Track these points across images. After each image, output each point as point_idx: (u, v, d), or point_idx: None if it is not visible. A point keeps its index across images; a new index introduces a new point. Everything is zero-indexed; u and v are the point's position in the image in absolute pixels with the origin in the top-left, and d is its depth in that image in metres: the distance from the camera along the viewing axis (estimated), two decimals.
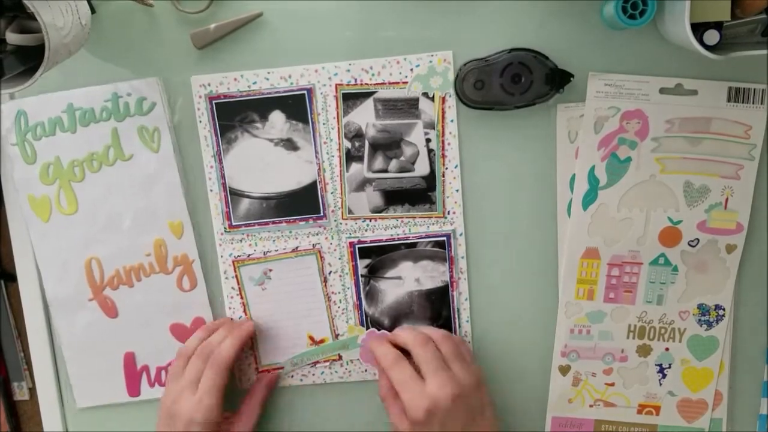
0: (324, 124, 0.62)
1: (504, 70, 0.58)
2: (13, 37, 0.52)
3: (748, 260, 0.62)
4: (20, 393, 0.91)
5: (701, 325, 0.63)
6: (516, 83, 0.59)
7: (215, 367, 0.59)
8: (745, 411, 0.65)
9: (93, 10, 0.59)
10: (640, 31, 0.58)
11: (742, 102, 0.59)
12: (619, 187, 0.61)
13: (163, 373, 0.67)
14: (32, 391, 0.92)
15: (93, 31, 0.58)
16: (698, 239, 0.61)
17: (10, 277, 0.89)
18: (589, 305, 0.63)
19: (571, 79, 0.59)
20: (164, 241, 0.64)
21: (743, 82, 0.59)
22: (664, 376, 0.64)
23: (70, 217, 0.64)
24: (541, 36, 0.59)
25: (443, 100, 0.60)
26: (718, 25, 0.53)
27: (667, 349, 0.64)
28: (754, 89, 0.59)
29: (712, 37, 0.53)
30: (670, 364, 0.64)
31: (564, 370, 0.65)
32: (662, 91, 0.59)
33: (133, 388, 0.68)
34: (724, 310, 0.63)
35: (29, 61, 0.53)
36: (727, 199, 0.61)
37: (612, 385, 0.65)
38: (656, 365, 0.64)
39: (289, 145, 0.62)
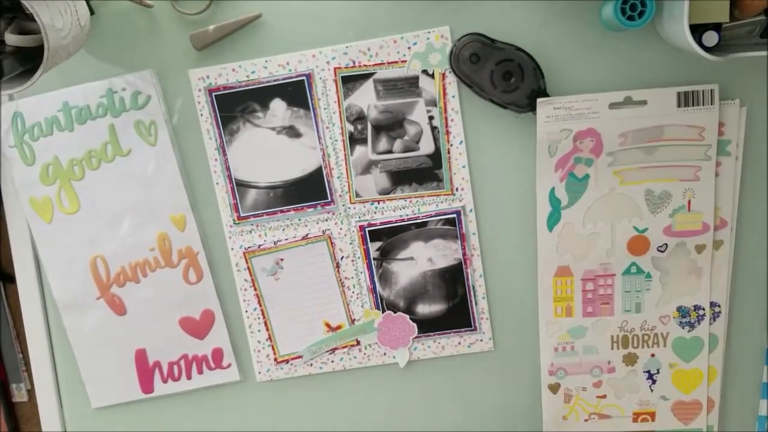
0: (325, 108, 0.62)
1: (502, 62, 0.58)
2: (12, 38, 0.52)
3: (740, 260, 0.62)
4: (19, 395, 0.91)
5: (683, 327, 0.63)
6: (504, 80, 0.59)
7: None
8: (744, 413, 0.65)
9: (92, 11, 0.59)
10: (639, 33, 0.58)
11: (693, 105, 0.58)
12: (581, 205, 0.61)
13: (175, 368, 0.67)
14: (31, 392, 0.92)
15: (92, 32, 0.58)
16: (666, 244, 0.62)
17: (9, 279, 0.89)
18: (569, 322, 0.63)
19: None
20: (167, 234, 0.64)
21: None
22: (654, 381, 0.64)
23: (73, 216, 0.64)
24: (538, 36, 0.59)
25: (443, 76, 0.60)
26: (716, 27, 0.53)
27: (653, 354, 0.64)
28: (703, 91, 0.58)
29: (710, 38, 0.53)
30: (658, 369, 0.64)
31: (554, 388, 0.65)
32: (612, 106, 0.59)
33: (147, 385, 0.68)
34: (703, 309, 0.63)
35: (28, 62, 0.53)
36: (689, 201, 0.61)
37: (604, 397, 0.65)
38: (645, 372, 0.64)
39: (292, 132, 0.62)
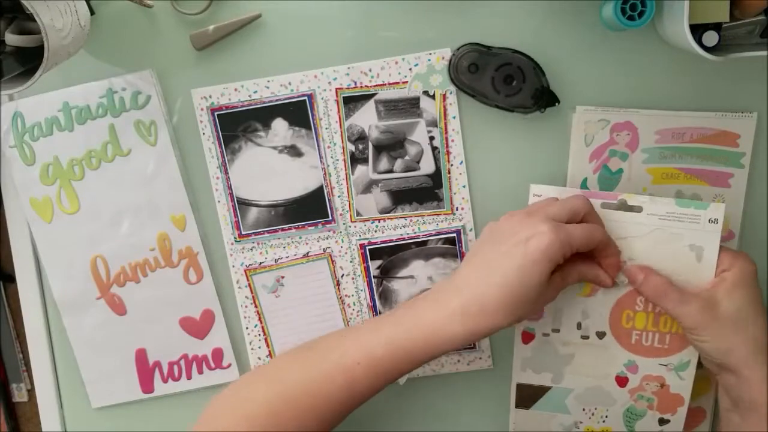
0: (327, 128, 0.62)
1: (501, 67, 0.59)
2: (12, 38, 0.52)
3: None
4: (19, 395, 0.91)
5: None
6: (506, 84, 0.59)
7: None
8: None
9: (92, 12, 0.59)
10: (639, 32, 0.58)
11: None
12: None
13: (175, 368, 0.67)
14: (31, 392, 0.92)
15: (92, 32, 0.58)
16: None
17: (9, 279, 0.89)
18: None
19: (557, 104, 0.59)
20: (168, 234, 0.64)
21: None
22: None
23: (73, 216, 0.64)
24: (539, 37, 0.59)
25: (444, 97, 0.60)
26: (716, 27, 0.53)
27: None
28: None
29: (710, 38, 0.53)
30: None
31: None
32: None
33: (147, 385, 0.68)
34: None
35: (28, 62, 0.53)
36: None
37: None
38: None
39: (294, 151, 0.62)
